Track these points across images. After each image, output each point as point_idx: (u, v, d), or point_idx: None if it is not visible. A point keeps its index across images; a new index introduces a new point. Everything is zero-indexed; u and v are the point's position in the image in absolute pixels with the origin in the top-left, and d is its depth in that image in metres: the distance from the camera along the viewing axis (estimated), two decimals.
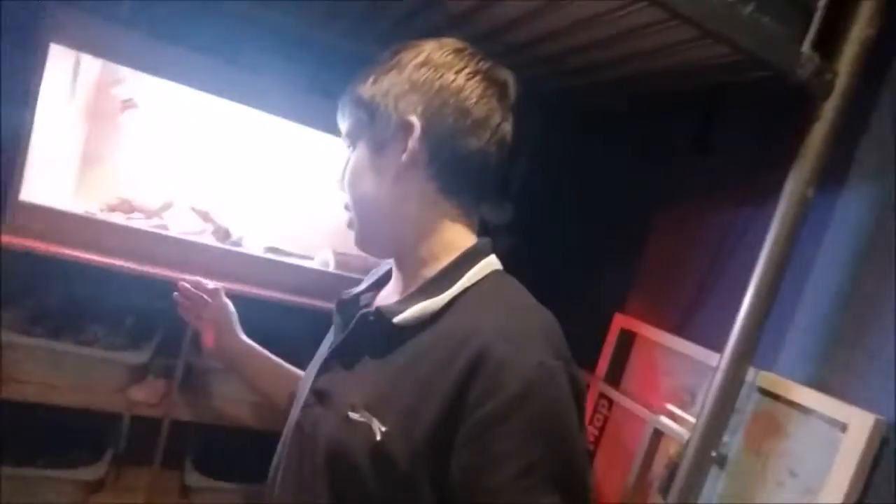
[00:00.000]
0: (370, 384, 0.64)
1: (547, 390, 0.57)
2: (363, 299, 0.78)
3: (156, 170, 1.35)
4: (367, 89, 0.71)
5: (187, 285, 1.02)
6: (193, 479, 1.25)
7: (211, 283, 1.04)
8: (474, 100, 0.68)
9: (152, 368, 1.23)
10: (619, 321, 1.49)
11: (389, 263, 0.79)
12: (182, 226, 1.27)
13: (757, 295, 1.06)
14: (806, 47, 0.94)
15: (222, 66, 1.15)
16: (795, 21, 0.93)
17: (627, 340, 1.47)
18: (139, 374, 1.20)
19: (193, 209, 1.31)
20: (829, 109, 0.99)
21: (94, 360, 1.12)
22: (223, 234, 1.30)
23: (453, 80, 0.68)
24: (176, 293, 1.03)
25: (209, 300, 1.02)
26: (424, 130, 0.67)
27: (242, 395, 1.28)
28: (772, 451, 1.08)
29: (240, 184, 1.42)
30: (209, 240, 1.27)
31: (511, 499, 0.55)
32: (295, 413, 0.73)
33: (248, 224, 1.40)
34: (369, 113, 0.71)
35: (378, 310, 0.66)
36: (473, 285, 0.66)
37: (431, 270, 0.68)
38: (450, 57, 0.70)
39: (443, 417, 0.58)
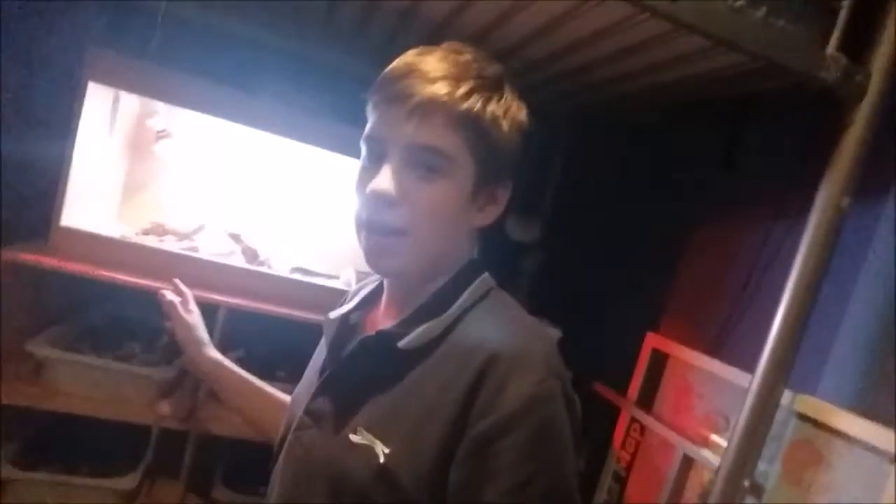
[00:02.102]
0: (372, 407, 0.64)
1: (546, 408, 0.58)
2: (352, 318, 0.78)
3: (190, 195, 1.42)
4: (502, 131, 0.65)
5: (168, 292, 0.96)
6: (222, 493, 1.29)
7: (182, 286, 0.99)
8: None
9: (183, 384, 1.28)
10: (651, 340, 1.43)
11: (374, 281, 0.80)
12: (212, 247, 1.32)
13: (789, 311, 0.99)
14: (831, 49, 0.89)
15: (246, 97, 1.21)
16: (817, 23, 0.88)
17: (660, 361, 1.40)
18: (169, 389, 1.26)
19: (227, 232, 1.37)
20: (863, 113, 0.92)
21: (128, 374, 1.18)
22: (251, 255, 1.34)
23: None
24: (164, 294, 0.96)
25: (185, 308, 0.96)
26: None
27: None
28: (813, 482, 1.00)
29: (267, 207, 1.48)
30: (238, 261, 1.32)
31: None
32: (287, 435, 0.72)
33: (275, 245, 1.44)
34: (494, 157, 0.65)
35: (380, 333, 0.66)
36: (474, 303, 0.66)
37: (430, 288, 0.67)
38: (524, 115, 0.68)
39: (450, 431, 0.58)
